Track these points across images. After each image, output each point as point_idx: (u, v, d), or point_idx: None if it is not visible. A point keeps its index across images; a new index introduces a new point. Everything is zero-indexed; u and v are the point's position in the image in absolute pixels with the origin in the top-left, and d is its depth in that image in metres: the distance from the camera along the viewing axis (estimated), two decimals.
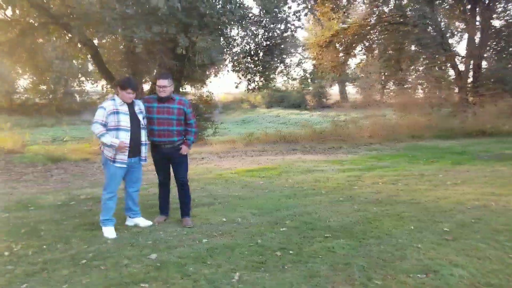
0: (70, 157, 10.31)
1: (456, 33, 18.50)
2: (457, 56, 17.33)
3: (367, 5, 17.01)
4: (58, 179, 8.11)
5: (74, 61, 15.83)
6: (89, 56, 13.03)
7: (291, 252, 4.06)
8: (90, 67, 23.43)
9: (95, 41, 11.84)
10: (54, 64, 19.67)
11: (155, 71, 11.13)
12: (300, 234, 4.57)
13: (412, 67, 18.69)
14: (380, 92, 18.81)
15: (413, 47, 17.73)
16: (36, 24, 11.87)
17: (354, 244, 4.27)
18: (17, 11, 11.22)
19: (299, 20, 11.61)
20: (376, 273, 3.59)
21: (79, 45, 12.23)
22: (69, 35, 11.58)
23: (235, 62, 11.96)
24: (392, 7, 16.52)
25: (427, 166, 9.05)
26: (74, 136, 16.47)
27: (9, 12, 11.24)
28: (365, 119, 16.14)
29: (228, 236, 4.55)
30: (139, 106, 4.75)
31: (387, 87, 19.30)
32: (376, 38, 18.36)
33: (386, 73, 18.16)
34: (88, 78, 26.90)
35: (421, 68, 18.59)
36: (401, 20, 16.00)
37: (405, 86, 17.89)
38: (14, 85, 26.71)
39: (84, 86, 28.84)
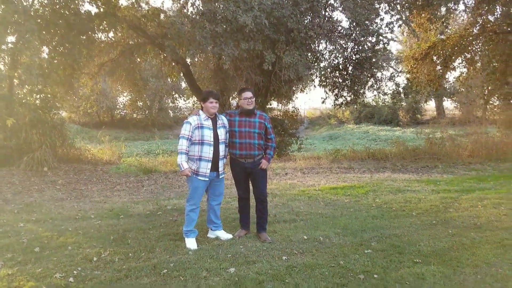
0: (161, 169, 10.87)
1: None
2: None
3: (469, 14, 15.85)
4: (148, 190, 8.58)
5: (168, 79, 16.82)
6: (181, 74, 13.74)
7: (375, 276, 3.84)
8: (183, 84, 24.78)
9: (187, 60, 12.45)
10: (150, 82, 21.22)
11: (244, 86, 11.37)
12: (386, 258, 4.31)
13: None
14: (482, 108, 17.33)
15: None
16: (134, 45, 12.86)
17: (447, 271, 3.94)
18: (118, 34, 12.26)
19: (392, 32, 11.12)
20: None
21: (173, 64, 12.98)
22: (164, 54, 12.34)
23: (322, 77, 11.77)
24: (498, 15, 15.19)
25: None
26: (165, 149, 17.40)
27: (111, 34, 12.35)
28: (464, 136, 14.98)
29: (309, 254, 4.42)
30: (222, 120, 4.90)
31: (490, 102, 17.74)
32: (479, 49, 16.96)
33: (489, 87, 16.69)
34: (180, 95, 28.55)
35: None
36: (509, 28, 14.63)
37: None
38: (115, 102, 29.08)
39: (177, 103, 30.57)
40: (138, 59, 14.05)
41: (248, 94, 4.88)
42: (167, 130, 28.85)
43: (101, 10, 10.64)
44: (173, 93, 29.42)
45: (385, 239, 4.96)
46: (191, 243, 4.70)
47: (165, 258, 4.29)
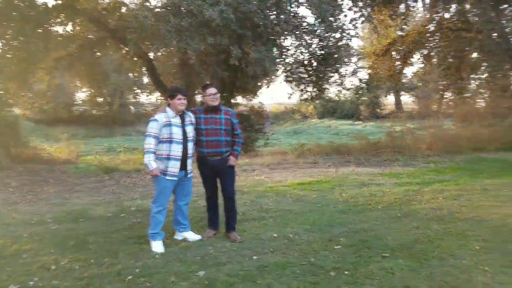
0: (123, 168, 10.54)
1: None
2: None
3: (427, 11, 16.38)
4: (109, 190, 8.26)
5: (130, 74, 16.40)
6: (144, 68, 13.40)
7: (346, 272, 3.83)
8: (145, 79, 24.26)
9: (150, 55, 12.14)
10: (110, 77, 20.62)
11: (208, 82, 11.24)
12: (355, 253, 4.32)
13: (473, 75, 17.72)
14: (438, 102, 17.97)
15: (474, 55, 16.81)
16: (94, 39, 12.40)
17: (415, 265, 3.99)
18: (77, 27, 11.78)
19: (355, 28, 11.28)
20: None
21: (135, 58, 12.63)
22: (125, 48, 11.98)
23: (288, 72, 11.82)
24: (453, 13, 15.75)
25: (491, 180, 8.40)
26: (128, 146, 16.94)
27: (69, 27, 11.86)
28: (422, 130, 15.43)
29: (279, 253, 4.36)
30: (190, 117, 4.75)
31: (445, 96, 18.41)
32: (435, 46, 17.57)
33: (445, 82, 17.31)
34: (143, 90, 27.91)
35: (483, 76, 17.60)
36: (464, 26, 15.19)
37: (465, 95, 16.93)
38: (72, 98, 28.05)
39: (139, 98, 29.89)
40: (98, 53, 13.58)
41: (212, 90, 4.73)
42: (129, 126, 28.08)
43: (59, 2, 10.17)
44: (135, 88, 28.73)
45: (353, 234, 4.98)
46: (157, 246, 4.52)
47: (130, 263, 4.10)
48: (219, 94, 4.81)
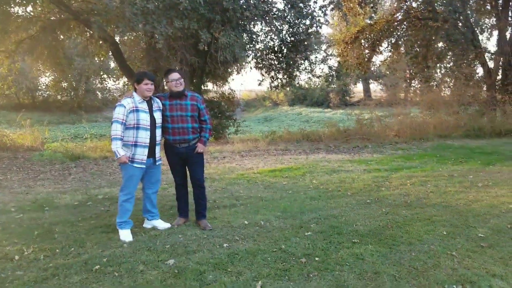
0: (90, 155, 10.24)
1: (485, 29, 17.96)
2: (486, 53, 16.71)
3: (395, 0, 16.57)
4: (76, 178, 8.00)
5: (95, 58, 15.83)
6: (110, 53, 13.00)
7: (316, 259, 3.83)
8: (112, 64, 23.58)
9: (117, 38, 11.76)
10: (75, 61, 19.90)
11: (176, 67, 10.98)
12: (326, 239, 4.32)
13: (439, 64, 18.14)
14: (405, 90, 18.29)
15: (440, 44, 17.18)
16: (57, 21, 11.89)
17: (384, 250, 4.02)
18: (38, 8, 11.24)
19: (325, 15, 11.28)
20: (408, 283, 3.36)
21: (100, 42, 12.21)
22: (90, 31, 11.55)
23: (258, 59, 11.72)
24: (420, 2, 16.00)
25: (456, 166, 8.67)
26: (94, 133, 16.49)
27: (29, 8, 11.30)
28: (390, 117, 15.72)
29: (250, 240, 4.32)
30: (158, 103, 4.60)
31: (412, 84, 18.76)
32: (403, 34, 17.82)
33: (412, 71, 17.62)
34: (109, 76, 27.12)
35: (448, 65, 18.04)
36: (430, 15, 15.45)
37: (431, 84, 17.31)
38: (36, 82, 26.94)
39: (106, 84, 29.06)
40: (61, 36, 13.03)
41: (175, 75, 4.57)
42: (95, 112, 27.31)
43: None
44: (101, 73, 27.90)
45: (323, 220, 4.99)
46: (125, 235, 4.38)
47: (97, 253, 3.97)
48: (183, 79, 4.65)
